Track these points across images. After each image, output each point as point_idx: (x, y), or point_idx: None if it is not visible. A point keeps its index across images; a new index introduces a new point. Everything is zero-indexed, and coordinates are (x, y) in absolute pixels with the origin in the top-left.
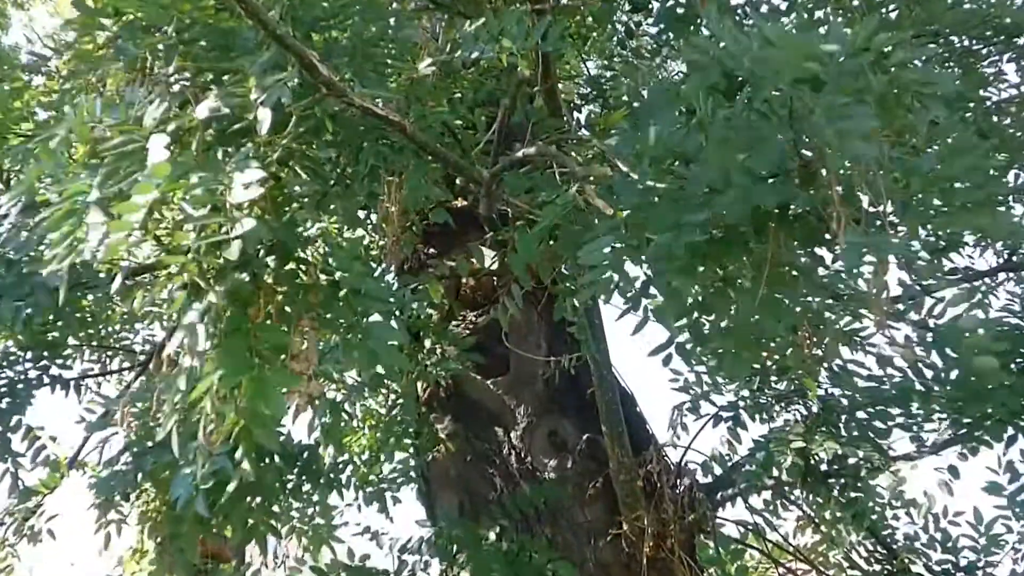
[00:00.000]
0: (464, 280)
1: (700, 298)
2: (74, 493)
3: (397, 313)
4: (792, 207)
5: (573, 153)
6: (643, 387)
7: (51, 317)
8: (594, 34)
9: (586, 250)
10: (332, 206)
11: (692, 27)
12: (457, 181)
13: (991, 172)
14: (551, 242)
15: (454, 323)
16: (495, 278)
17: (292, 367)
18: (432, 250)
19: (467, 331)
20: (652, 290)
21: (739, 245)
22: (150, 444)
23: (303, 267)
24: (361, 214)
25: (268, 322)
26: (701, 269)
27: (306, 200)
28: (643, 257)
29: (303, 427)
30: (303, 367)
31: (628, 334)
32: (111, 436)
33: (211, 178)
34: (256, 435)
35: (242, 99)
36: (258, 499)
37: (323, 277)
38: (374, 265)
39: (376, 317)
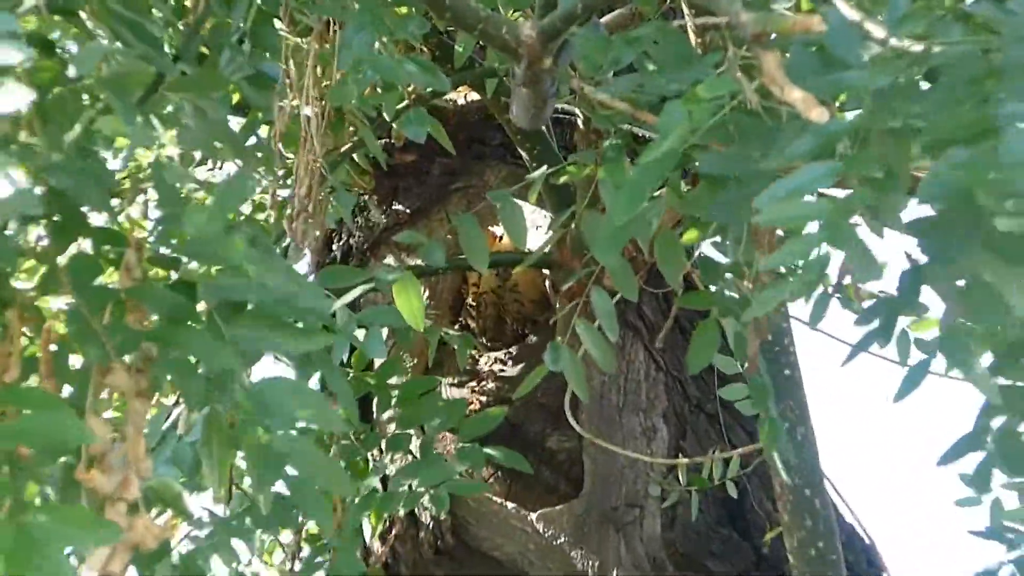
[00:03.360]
0: (476, 282)
1: None
2: None
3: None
4: None
5: None
6: (892, 523)
7: None
8: None
9: (768, 196)
10: (173, 107)
11: None
12: (459, 46)
13: None
14: (685, 188)
15: (452, 378)
16: (547, 273)
17: (91, 484)
18: (401, 207)
19: (481, 397)
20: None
21: None
22: None
23: (109, 250)
24: (236, 124)
25: (30, 381)
26: None
27: (115, 96)
28: (898, 211)
29: None
30: (117, 487)
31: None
32: None
33: None
34: None
35: None
36: None
37: (157, 272)
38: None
39: (280, 370)
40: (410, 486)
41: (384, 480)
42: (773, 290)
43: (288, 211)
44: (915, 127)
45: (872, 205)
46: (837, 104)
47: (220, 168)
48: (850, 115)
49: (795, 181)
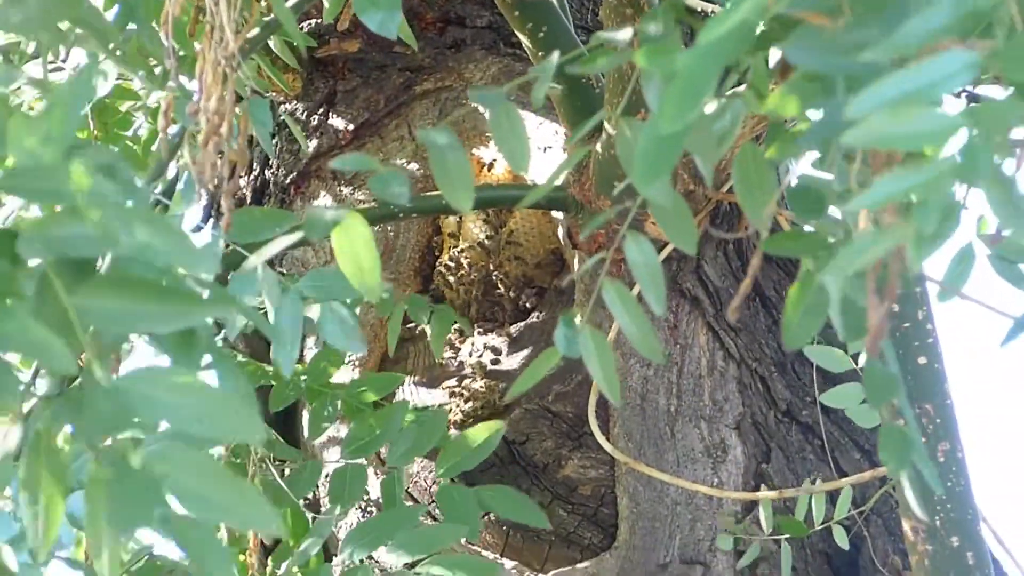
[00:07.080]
0: (454, 232)
1: None
2: None
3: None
4: None
5: None
6: None
7: None
8: None
9: (870, 99)
10: None
11: None
12: None
13: None
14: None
15: (417, 375)
16: (560, 219)
17: None
18: (340, 121)
19: (463, 403)
20: None
21: None
22: None
23: None
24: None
25: None
26: None
27: None
28: None
29: None
30: None
31: None
32: None
33: None
34: None
35: None
36: None
37: None
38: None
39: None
40: (370, 559)
41: (328, 547)
42: (881, 234)
43: (187, 134)
44: None
45: None
46: None
47: (66, 63)
48: None
49: (914, 78)
